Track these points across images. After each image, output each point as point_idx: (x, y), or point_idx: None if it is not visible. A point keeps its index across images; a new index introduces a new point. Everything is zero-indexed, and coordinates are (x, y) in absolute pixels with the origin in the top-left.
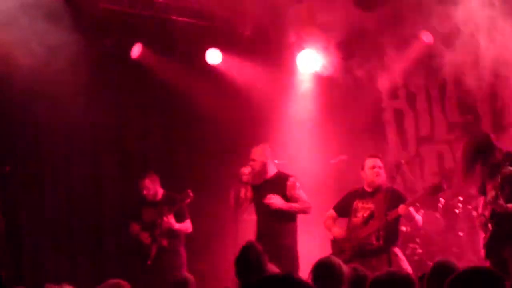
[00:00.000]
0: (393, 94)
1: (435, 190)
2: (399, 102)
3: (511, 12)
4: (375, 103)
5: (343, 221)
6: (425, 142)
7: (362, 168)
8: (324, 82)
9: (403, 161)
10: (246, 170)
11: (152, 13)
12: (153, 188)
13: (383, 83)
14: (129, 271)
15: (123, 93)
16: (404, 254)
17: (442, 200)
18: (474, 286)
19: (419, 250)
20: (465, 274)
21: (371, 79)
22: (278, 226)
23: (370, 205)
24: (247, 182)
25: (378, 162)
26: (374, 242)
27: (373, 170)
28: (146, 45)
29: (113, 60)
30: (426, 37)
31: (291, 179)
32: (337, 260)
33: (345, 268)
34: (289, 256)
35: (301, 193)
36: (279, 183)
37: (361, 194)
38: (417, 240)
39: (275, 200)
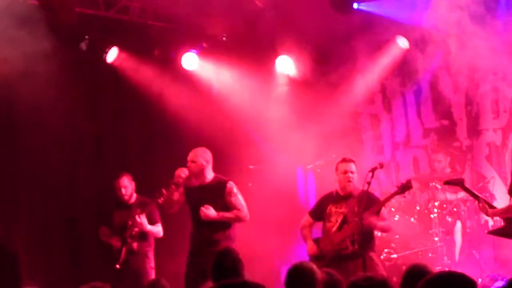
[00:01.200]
0: (369, 99)
1: (404, 188)
2: (375, 107)
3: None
4: (351, 107)
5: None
6: (401, 147)
7: (335, 172)
8: (301, 87)
9: (378, 166)
10: (182, 173)
11: (127, 17)
12: (130, 188)
13: (359, 88)
14: (102, 274)
15: (99, 96)
16: (379, 259)
17: (417, 205)
18: None
19: (394, 255)
20: (437, 277)
21: (347, 84)
22: (213, 232)
23: (344, 209)
24: (180, 184)
25: (350, 166)
26: (349, 246)
27: (345, 175)
28: (121, 49)
29: (88, 64)
30: (402, 42)
31: (228, 185)
32: (310, 265)
33: (318, 272)
34: None
35: (238, 200)
36: (217, 189)
37: (335, 199)
38: (392, 244)
39: (208, 212)
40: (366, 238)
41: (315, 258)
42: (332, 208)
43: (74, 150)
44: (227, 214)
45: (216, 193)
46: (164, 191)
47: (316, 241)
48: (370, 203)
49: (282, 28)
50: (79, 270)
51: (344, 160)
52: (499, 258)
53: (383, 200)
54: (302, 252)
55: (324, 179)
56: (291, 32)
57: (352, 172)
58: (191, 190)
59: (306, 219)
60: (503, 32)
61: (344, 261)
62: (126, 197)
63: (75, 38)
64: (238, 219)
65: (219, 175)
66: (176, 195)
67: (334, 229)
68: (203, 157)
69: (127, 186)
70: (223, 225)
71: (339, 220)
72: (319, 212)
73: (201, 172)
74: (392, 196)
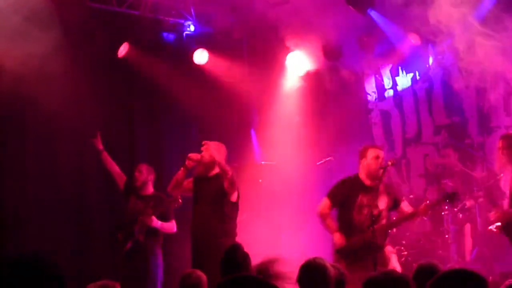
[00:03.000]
0: (381, 95)
1: (451, 199)
2: (386, 103)
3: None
4: (362, 104)
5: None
6: (411, 143)
7: (363, 158)
8: (312, 83)
9: (389, 163)
10: (194, 156)
11: (139, 12)
12: (146, 176)
13: (371, 84)
14: (110, 268)
15: (111, 91)
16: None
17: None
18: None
19: (405, 252)
20: (447, 275)
21: (358, 80)
22: (215, 224)
23: (376, 202)
24: (190, 168)
25: (382, 153)
26: (377, 239)
27: (377, 160)
28: (133, 44)
29: (101, 59)
30: (414, 39)
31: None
32: (323, 261)
33: (331, 268)
34: None
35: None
36: (219, 180)
37: (364, 188)
38: (403, 241)
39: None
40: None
41: (342, 252)
42: (363, 199)
43: (83, 144)
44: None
45: (219, 184)
46: (180, 199)
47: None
48: (395, 195)
49: (294, 24)
50: (87, 264)
51: (375, 146)
52: (510, 256)
53: (431, 203)
54: (313, 247)
55: (334, 175)
56: (303, 28)
57: (383, 159)
58: (199, 180)
59: (325, 204)
60: None
61: (372, 254)
62: (139, 183)
63: (87, 33)
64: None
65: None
66: (180, 176)
67: (367, 223)
68: (217, 149)
69: (144, 172)
70: (222, 219)
71: (374, 214)
72: (343, 198)
73: (211, 163)
74: (436, 204)
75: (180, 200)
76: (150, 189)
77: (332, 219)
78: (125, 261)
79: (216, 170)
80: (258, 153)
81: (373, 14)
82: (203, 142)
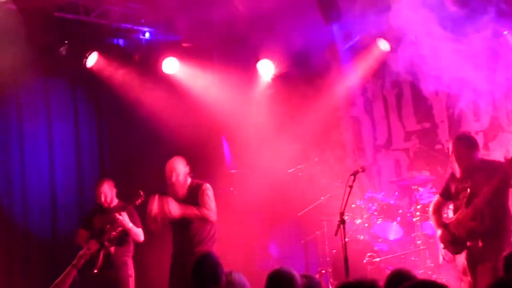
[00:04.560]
0: (351, 101)
1: None
2: (356, 110)
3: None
4: (332, 111)
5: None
6: (382, 150)
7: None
8: (282, 91)
9: (360, 169)
10: (153, 204)
11: (108, 22)
12: (110, 194)
13: (341, 91)
14: (80, 280)
15: (78, 101)
16: (362, 263)
17: (400, 209)
18: None
19: (377, 259)
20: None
21: (328, 87)
22: (193, 234)
23: (468, 184)
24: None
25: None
26: (479, 223)
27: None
28: (101, 53)
29: (68, 69)
30: (383, 45)
31: (204, 186)
32: (289, 270)
33: (298, 277)
34: None
35: (209, 199)
36: (195, 191)
37: (457, 177)
38: (375, 248)
39: (172, 207)
40: (498, 211)
41: (451, 243)
42: (458, 186)
43: (53, 156)
44: (192, 210)
45: (194, 196)
46: (142, 193)
47: (446, 225)
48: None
49: (264, 32)
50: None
51: None
52: None
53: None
54: (285, 256)
55: (303, 182)
56: (273, 36)
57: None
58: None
59: (436, 200)
60: (484, 34)
61: (476, 240)
62: (106, 204)
63: (55, 43)
64: (203, 216)
65: (196, 179)
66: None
67: (463, 206)
68: (183, 165)
69: (107, 193)
70: (202, 227)
71: (466, 195)
72: (447, 192)
73: (184, 182)
74: None
75: (142, 194)
76: (115, 202)
77: (438, 215)
78: (96, 274)
79: (188, 183)
80: (229, 161)
81: (335, 28)
82: (169, 169)
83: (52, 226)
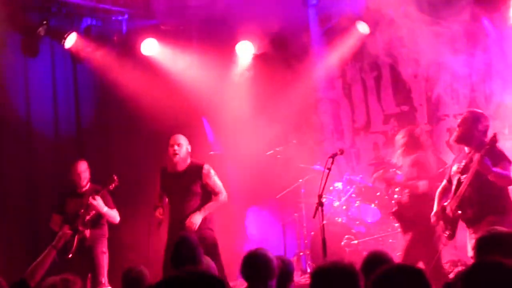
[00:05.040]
0: (330, 84)
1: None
2: (335, 93)
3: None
4: (311, 93)
5: None
6: (361, 132)
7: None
8: (260, 73)
9: (338, 152)
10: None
11: (87, 2)
12: (85, 174)
13: (319, 73)
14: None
15: (58, 81)
16: (340, 245)
17: (378, 191)
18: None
19: (355, 241)
20: (386, 273)
21: (307, 69)
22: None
23: (461, 167)
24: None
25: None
26: (467, 209)
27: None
28: (80, 34)
29: (48, 48)
30: (362, 27)
31: (205, 167)
32: (265, 252)
33: (274, 259)
34: (208, 245)
35: (216, 181)
36: (195, 172)
37: (459, 156)
38: (353, 230)
39: (194, 221)
40: (486, 196)
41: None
42: (454, 168)
43: (29, 137)
44: (210, 207)
45: (194, 177)
46: (115, 177)
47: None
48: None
49: (243, 14)
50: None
51: None
52: (458, 244)
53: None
54: (265, 238)
55: (283, 164)
56: (252, 18)
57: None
58: (169, 177)
59: (443, 184)
60: (462, 18)
61: (468, 227)
62: (81, 186)
63: (33, 23)
64: (220, 204)
65: (195, 159)
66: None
67: (452, 192)
68: (186, 142)
69: (84, 172)
70: (199, 209)
71: (455, 182)
72: (450, 176)
73: (185, 157)
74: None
75: (116, 178)
76: (87, 186)
77: (440, 196)
78: (71, 258)
79: (188, 162)
80: (212, 141)
81: (313, 10)
82: (172, 142)
83: (29, 208)
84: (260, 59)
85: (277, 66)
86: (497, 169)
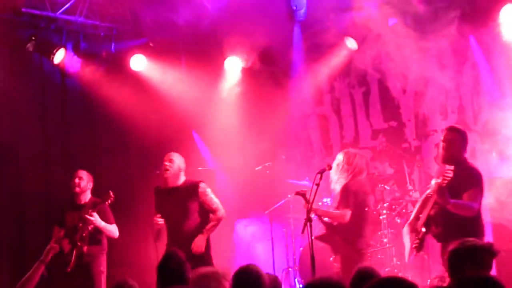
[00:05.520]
0: (318, 100)
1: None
2: (324, 108)
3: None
4: (300, 109)
5: None
6: (349, 148)
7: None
8: (249, 88)
9: (327, 167)
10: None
11: (75, 18)
12: (86, 183)
13: (308, 89)
14: (52, 278)
15: (46, 97)
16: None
17: (366, 207)
18: None
19: None
20: (378, 284)
21: (296, 85)
22: (190, 237)
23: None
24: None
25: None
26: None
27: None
28: (69, 50)
29: (36, 65)
30: (350, 43)
31: (201, 185)
32: (256, 268)
33: (265, 275)
34: (197, 259)
35: (213, 198)
36: (191, 190)
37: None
38: None
39: (199, 244)
40: (453, 218)
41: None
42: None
43: (20, 154)
44: (212, 228)
45: (190, 195)
46: (111, 193)
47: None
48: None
49: (231, 31)
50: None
51: None
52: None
53: None
54: (253, 254)
55: (273, 180)
56: (240, 35)
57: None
58: (162, 193)
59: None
60: (449, 33)
61: (438, 242)
62: (78, 190)
63: (22, 38)
64: (219, 222)
65: (190, 178)
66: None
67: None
68: (179, 158)
69: (83, 178)
70: (198, 229)
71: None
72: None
73: (177, 174)
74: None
75: (112, 195)
76: (87, 198)
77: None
78: (69, 273)
79: (181, 179)
80: (206, 155)
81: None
82: (166, 158)
83: (20, 222)
84: (248, 74)
85: (266, 81)
86: (456, 201)
